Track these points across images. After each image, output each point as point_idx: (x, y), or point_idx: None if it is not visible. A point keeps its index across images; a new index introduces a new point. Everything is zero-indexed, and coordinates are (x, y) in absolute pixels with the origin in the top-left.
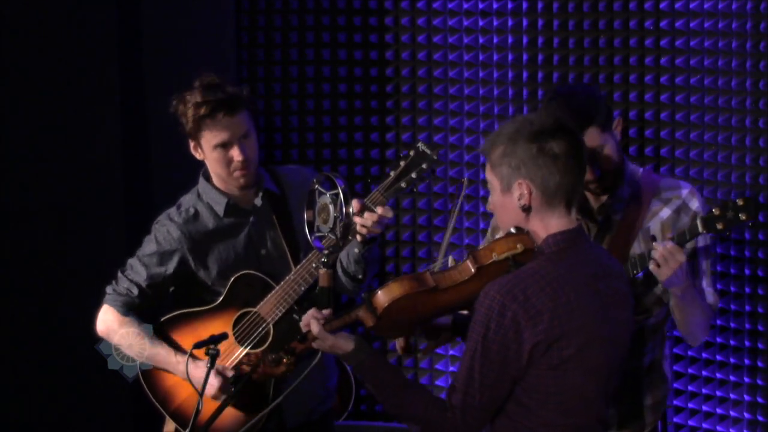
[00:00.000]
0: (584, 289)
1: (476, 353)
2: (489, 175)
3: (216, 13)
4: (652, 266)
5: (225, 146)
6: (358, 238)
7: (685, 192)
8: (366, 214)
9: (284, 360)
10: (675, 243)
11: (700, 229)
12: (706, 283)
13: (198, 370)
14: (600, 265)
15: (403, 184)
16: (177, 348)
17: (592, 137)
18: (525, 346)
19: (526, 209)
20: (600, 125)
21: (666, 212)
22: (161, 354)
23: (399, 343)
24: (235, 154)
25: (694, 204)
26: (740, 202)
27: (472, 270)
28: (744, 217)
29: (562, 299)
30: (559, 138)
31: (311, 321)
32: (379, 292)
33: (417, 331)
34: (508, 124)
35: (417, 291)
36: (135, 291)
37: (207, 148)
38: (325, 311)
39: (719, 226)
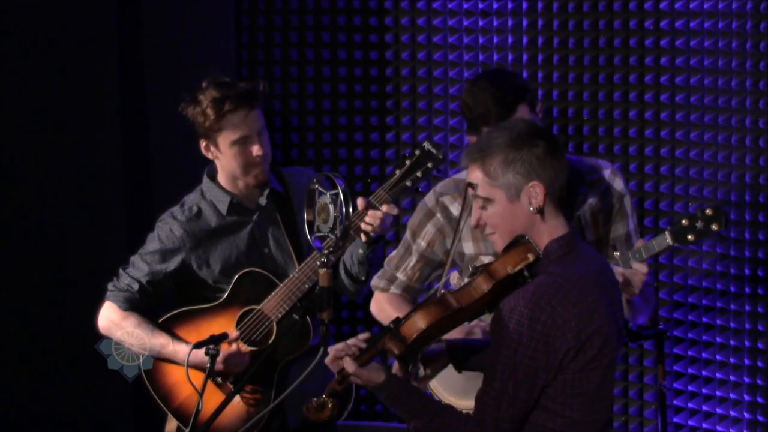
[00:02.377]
0: (596, 289)
1: (507, 368)
2: (487, 191)
3: (216, 13)
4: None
5: (245, 142)
6: (363, 237)
7: (607, 173)
8: (371, 212)
9: (329, 404)
10: (638, 261)
11: (669, 242)
12: (635, 239)
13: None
14: (597, 259)
15: (408, 183)
16: (178, 339)
17: (522, 113)
18: (557, 355)
19: (540, 211)
20: (530, 103)
21: (593, 198)
22: (160, 343)
23: (396, 369)
24: (255, 149)
25: (619, 184)
26: (709, 212)
27: (489, 286)
28: (716, 227)
29: (583, 304)
30: (546, 139)
31: (345, 361)
32: (407, 322)
33: (418, 359)
34: (490, 135)
35: (443, 316)
36: (135, 287)
37: (224, 146)
38: (339, 345)
39: (690, 238)
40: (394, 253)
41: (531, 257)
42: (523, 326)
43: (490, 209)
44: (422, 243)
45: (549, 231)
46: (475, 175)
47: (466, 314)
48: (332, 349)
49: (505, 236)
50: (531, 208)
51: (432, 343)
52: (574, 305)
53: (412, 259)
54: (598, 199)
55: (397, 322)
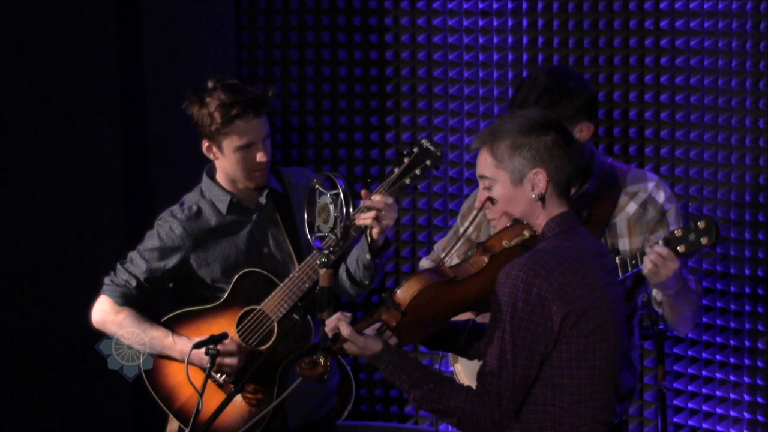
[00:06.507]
0: (594, 264)
1: (505, 334)
2: (491, 171)
3: (216, 13)
4: (646, 271)
5: (249, 147)
6: (369, 239)
7: (650, 185)
8: (367, 204)
9: (321, 361)
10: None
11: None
12: (686, 272)
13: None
14: (596, 242)
15: (407, 181)
16: (175, 335)
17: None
18: (555, 318)
19: (542, 198)
20: (578, 102)
21: (632, 207)
22: (157, 337)
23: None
24: (260, 155)
25: (661, 197)
26: (701, 225)
27: (486, 260)
28: (705, 242)
29: (580, 272)
30: (557, 130)
31: (341, 324)
32: (400, 288)
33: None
34: (503, 120)
35: (437, 282)
36: (133, 283)
37: (228, 149)
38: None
39: (680, 249)
40: (445, 237)
41: (527, 234)
42: (518, 290)
43: (493, 191)
44: (470, 228)
45: (548, 215)
46: (484, 157)
47: (464, 289)
48: (332, 317)
49: (504, 218)
50: (533, 195)
51: (430, 321)
52: (571, 272)
53: (458, 243)
54: (637, 209)
55: (392, 290)
